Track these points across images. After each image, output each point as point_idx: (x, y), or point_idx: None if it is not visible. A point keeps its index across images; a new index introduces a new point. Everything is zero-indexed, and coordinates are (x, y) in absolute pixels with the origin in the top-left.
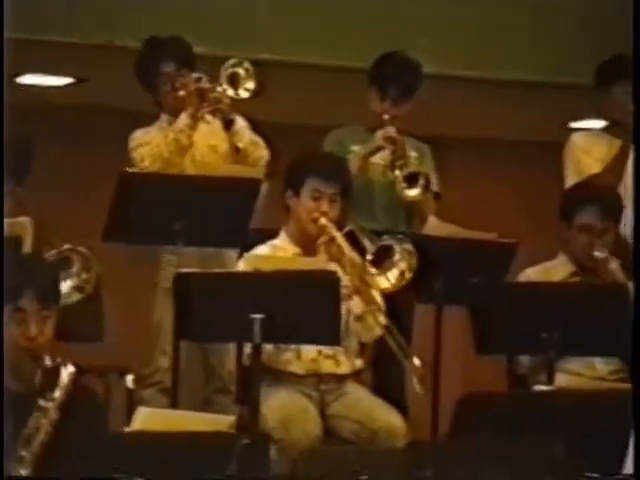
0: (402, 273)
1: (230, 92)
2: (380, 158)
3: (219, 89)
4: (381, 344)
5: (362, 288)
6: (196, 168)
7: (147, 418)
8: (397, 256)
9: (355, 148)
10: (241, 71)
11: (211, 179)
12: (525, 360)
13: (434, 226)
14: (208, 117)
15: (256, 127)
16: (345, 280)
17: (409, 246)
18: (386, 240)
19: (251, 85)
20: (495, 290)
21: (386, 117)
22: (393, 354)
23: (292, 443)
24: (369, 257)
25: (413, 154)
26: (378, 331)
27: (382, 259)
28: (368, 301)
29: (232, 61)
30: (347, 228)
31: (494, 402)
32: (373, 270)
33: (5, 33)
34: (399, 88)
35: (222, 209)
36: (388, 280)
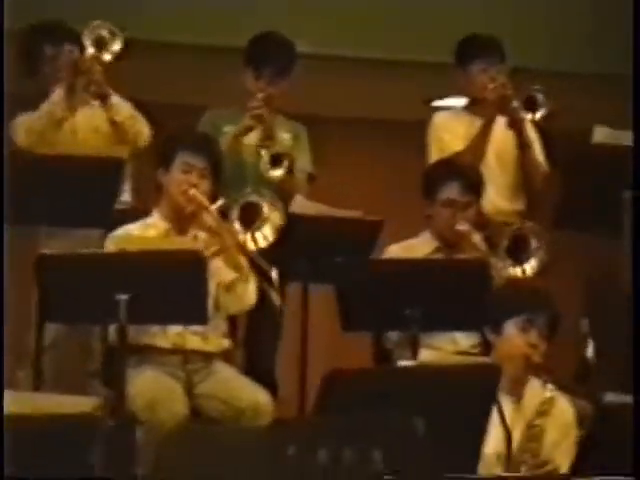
0: (274, 227)
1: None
2: (252, 138)
3: (87, 55)
4: (252, 324)
5: (231, 256)
6: (80, 151)
7: (13, 401)
8: (265, 211)
9: (228, 129)
10: (105, 33)
11: (71, 159)
12: (393, 335)
13: (300, 205)
14: (92, 101)
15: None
16: (214, 250)
17: (274, 199)
18: (250, 195)
19: (117, 47)
20: (358, 268)
21: (260, 96)
22: (264, 334)
23: (158, 424)
24: (236, 222)
25: (286, 135)
26: (249, 300)
27: (251, 219)
28: (237, 268)
29: (95, 23)
30: (219, 202)
31: (359, 378)
32: (243, 236)
33: None
34: (273, 67)
35: (84, 189)
36: (264, 237)
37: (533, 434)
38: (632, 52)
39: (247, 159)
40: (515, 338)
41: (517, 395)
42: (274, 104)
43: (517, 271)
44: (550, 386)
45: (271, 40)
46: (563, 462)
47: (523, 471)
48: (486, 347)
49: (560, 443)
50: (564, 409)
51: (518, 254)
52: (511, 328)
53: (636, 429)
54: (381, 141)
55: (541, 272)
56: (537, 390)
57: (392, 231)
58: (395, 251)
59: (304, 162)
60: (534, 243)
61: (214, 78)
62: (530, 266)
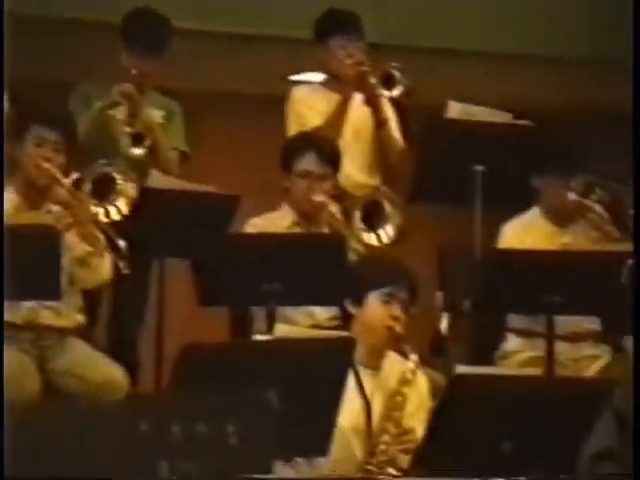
0: (127, 200)
1: None
2: (121, 113)
3: None
4: (116, 298)
5: (85, 230)
6: None
7: None
8: (119, 184)
9: (98, 103)
10: None
11: None
12: (255, 310)
13: (155, 179)
14: None
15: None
16: (67, 223)
17: (128, 172)
18: (103, 167)
19: None
20: (214, 242)
21: (134, 72)
22: (126, 308)
23: (10, 401)
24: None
25: (159, 112)
26: (103, 275)
27: (105, 192)
28: (92, 242)
29: None
30: (73, 176)
31: (214, 352)
32: (96, 208)
33: None
34: (147, 43)
35: None
36: (118, 210)
37: (396, 403)
38: (632, 38)
39: (116, 134)
40: (377, 310)
41: (376, 367)
42: (149, 80)
43: (372, 238)
44: (414, 356)
45: (145, 16)
46: (419, 432)
47: (385, 440)
48: (345, 320)
49: (417, 413)
50: (420, 381)
51: (373, 222)
52: (373, 300)
53: (636, 429)
54: (244, 115)
55: (397, 241)
56: (396, 361)
57: (256, 205)
58: (256, 224)
59: (177, 140)
60: (388, 208)
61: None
62: (385, 233)
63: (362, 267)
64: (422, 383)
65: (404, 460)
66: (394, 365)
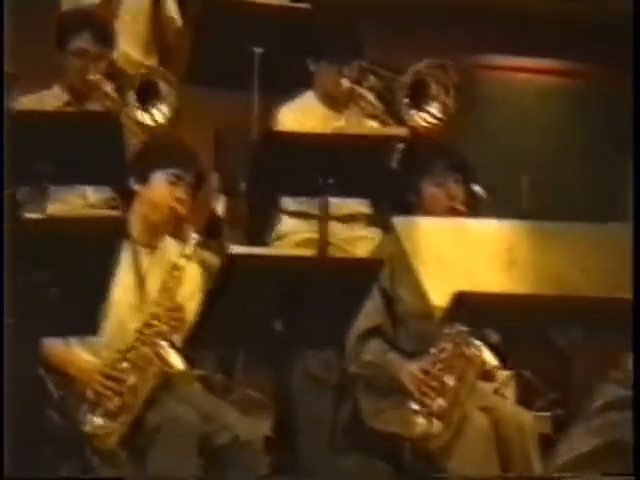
0: None
1: None
2: None
3: None
4: None
5: None
6: None
7: None
8: None
9: None
10: None
11: None
12: (24, 188)
13: None
14: None
15: None
16: None
17: None
18: None
19: None
20: None
21: None
22: None
23: None
24: None
25: None
26: None
27: None
28: None
29: None
30: None
31: None
32: None
33: None
34: None
35: None
36: None
37: (173, 277)
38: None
39: None
40: (162, 190)
41: (153, 246)
42: None
43: (146, 117)
44: (195, 235)
45: None
46: (191, 312)
47: (158, 313)
48: (124, 199)
49: (191, 297)
50: (193, 267)
51: (148, 101)
52: (159, 180)
53: (636, 428)
54: None
55: (173, 122)
56: (173, 245)
57: (27, 84)
58: (27, 103)
59: None
60: (164, 88)
61: None
62: (160, 112)
63: (149, 147)
64: (196, 269)
65: (176, 339)
66: (171, 247)
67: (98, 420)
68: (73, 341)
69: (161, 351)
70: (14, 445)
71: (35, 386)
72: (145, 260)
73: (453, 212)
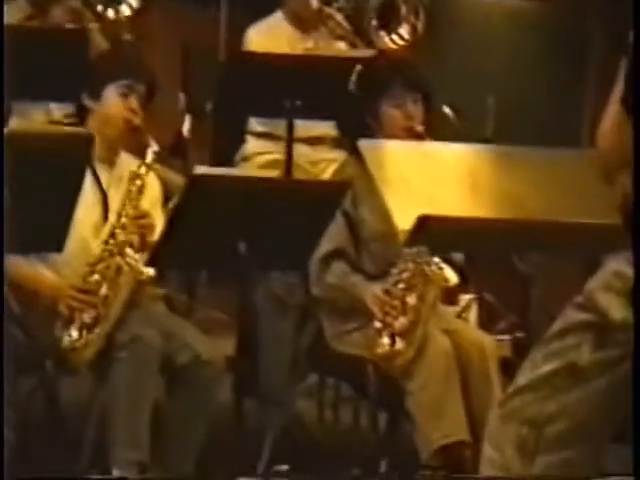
0: None
1: None
2: None
3: None
4: None
5: None
6: None
7: None
8: None
9: None
10: None
11: None
12: None
13: None
14: None
15: None
16: None
17: None
18: None
19: None
20: None
21: None
22: None
23: None
24: None
25: None
26: None
27: None
28: None
29: None
30: None
31: None
32: None
33: None
34: None
35: None
36: None
37: (135, 186)
38: None
39: None
40: (115, 103)
41: (112, 163)
42: None
43: (110, 11)
44: (155, 145)
45: None
46: (156, 220)
47: (123, 222)
48: (81, 116)
49: (155, 204)
50: (154, 182)
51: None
52: (110, 93)
53: (636, 428)
54: None
55: (138, 35)
56: (131, 161)
57: None
58: None
59: None
60: None
61: None
62: (127, 6)
63: (100, 61)
64: (155, 179)
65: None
66: (129, 162)
67: (74, 333)
68: (34, 259)
69: (130, 260)
70: None
71: None
72: (104, 177)
73: (411, 132)
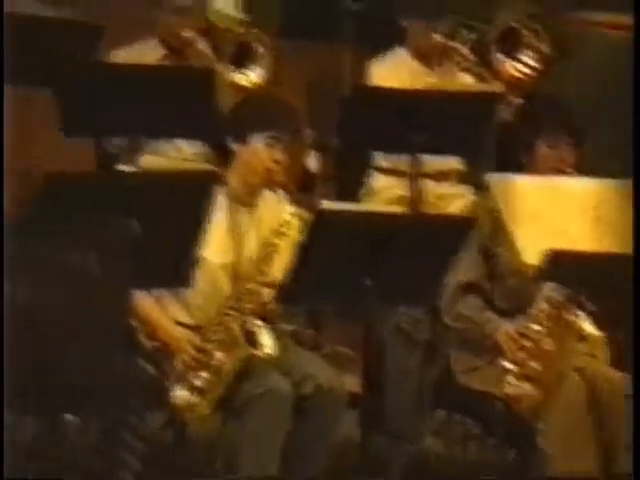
0: None
1: None
2: None
3: None
4: None
5: None
6: None
7: None
8: None
9: None
10: None
11: None
12: (117, 140)
13: None
14: None
15: None
16: None
17: None
18: None
19: None
20: (78, 71)
21: None
22: None
23: None
24: None
25: None
26: None
27: None
28: None
29: None
30: None
31: (78, 181)
32: None
33: None
34: None
35: None
36: None
37: (267, 253)
38: None
39: None
40: (260, 152)
41: (251, 204)
42: None
43: (241, 78)
44: (290, 208)
45: None
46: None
47: (252, 288)
48: (219, 157)
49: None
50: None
51: (243, 62)
52: (257, 140)
53: (636, 428)
54: None
55: (271, 81)
56: (272, 200)
57: (115, 36)
58: (121, 56)
59: None
60: (259, 50)
61: None
62: (256, 74)
63: (247, 105)
64: (291, 243)
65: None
66: (270, 204)
67: (184, 393)
68: (165, 294)
69: (252, 329)
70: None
71: (126, 335)
72: (243, 220)
73: (560, 173)
